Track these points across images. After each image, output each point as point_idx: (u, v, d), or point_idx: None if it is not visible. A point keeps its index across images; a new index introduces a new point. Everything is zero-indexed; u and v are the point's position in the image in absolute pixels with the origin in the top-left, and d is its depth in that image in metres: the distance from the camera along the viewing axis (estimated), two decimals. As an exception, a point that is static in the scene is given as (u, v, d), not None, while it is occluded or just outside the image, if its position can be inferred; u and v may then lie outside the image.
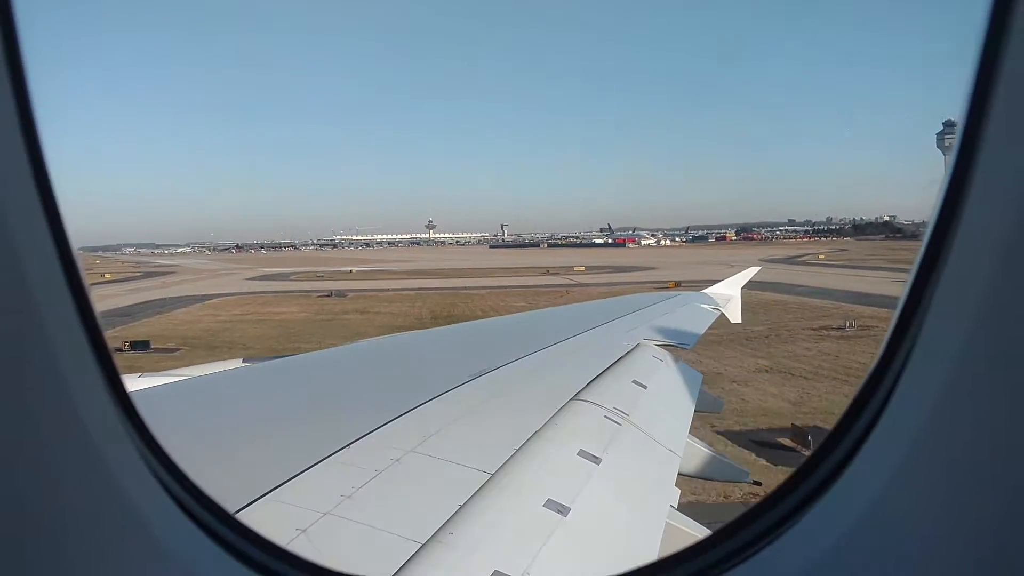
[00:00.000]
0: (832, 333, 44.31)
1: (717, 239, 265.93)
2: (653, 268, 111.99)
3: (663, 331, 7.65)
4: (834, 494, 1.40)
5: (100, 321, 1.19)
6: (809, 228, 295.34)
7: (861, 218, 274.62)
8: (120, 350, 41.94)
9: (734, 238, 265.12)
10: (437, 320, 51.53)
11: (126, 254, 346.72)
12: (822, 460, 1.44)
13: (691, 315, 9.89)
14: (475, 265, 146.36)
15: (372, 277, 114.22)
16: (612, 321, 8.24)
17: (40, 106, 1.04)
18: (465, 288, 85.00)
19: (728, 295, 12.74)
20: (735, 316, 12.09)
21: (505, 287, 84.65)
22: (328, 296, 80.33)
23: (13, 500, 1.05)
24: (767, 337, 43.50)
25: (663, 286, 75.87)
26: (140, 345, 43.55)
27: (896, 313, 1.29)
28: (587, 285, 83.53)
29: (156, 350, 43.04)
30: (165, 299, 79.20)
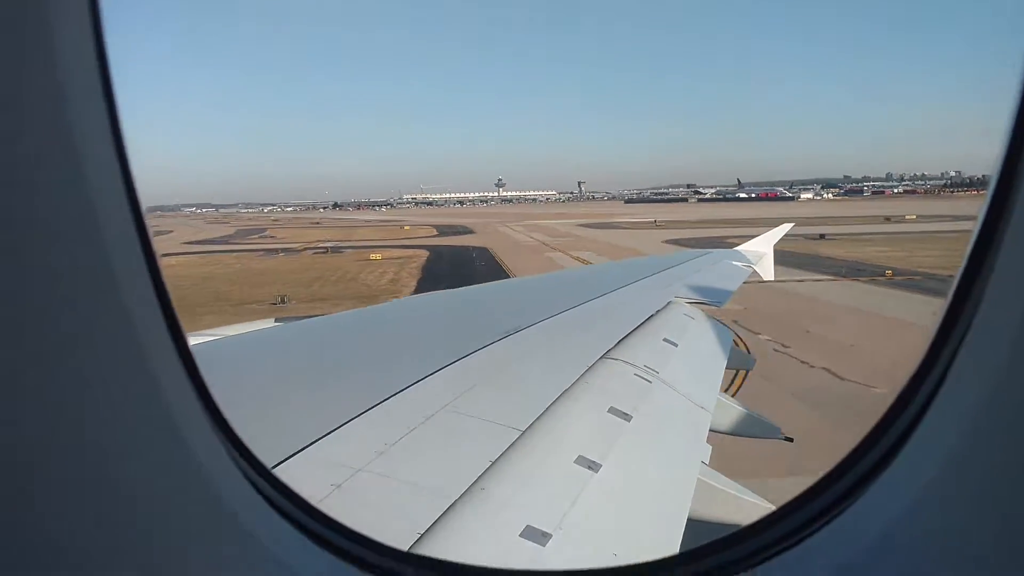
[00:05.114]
0: None
1: (874, 193, 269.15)
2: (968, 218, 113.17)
3: (695, 289, 7.65)
4: (867, 499, 1.33)
5: (171, 294, 1.13)
6: (943, 182, 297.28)
7: (973, 174, 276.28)
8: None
9: (892, 193, 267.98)
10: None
11: (189, 214, 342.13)
12: (856, 463, 1.39)
13: (724, 273, 9.82)
14: (704, 217, 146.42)
15: (683, 226, 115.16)
16: (643, 279, 8.21)
17: (115, 68, 0.98)
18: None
19: (761, 252, 12.43)
20: (768, 273, 11.94)
21: (940, 232, 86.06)
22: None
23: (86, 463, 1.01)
24: None
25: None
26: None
27: (936, 325, 1.22)
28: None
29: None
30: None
